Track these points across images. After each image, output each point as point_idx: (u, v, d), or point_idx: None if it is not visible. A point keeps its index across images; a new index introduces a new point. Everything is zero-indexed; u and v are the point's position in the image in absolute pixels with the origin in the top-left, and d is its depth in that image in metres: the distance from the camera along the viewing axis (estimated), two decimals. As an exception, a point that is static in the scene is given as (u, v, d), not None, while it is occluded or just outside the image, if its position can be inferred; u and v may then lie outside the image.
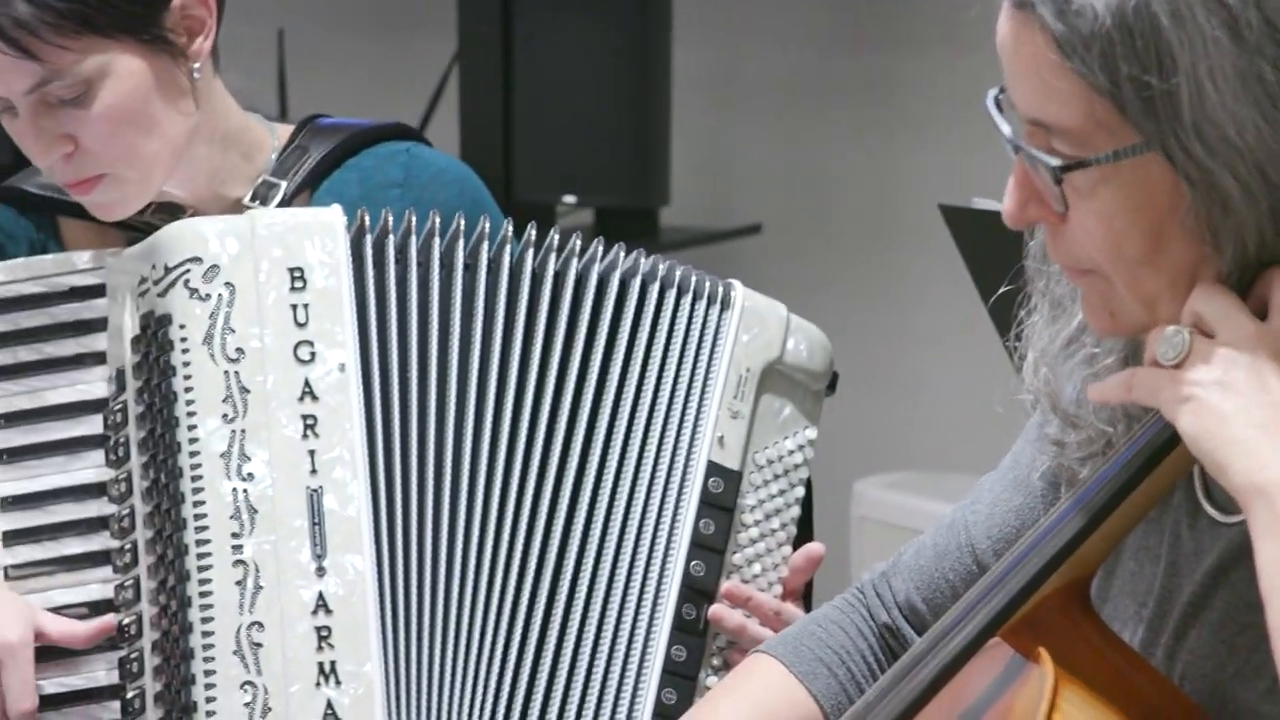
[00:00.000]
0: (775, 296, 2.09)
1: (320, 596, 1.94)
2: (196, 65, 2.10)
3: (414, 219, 2.01)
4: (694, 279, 2.02)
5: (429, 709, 1.96)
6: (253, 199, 2.14)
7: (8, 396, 2.03)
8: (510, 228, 2.02)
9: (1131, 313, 1.46)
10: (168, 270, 1.98)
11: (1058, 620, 1.47)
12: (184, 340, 1.96)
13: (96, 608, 2.00)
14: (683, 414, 2.01)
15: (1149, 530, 1.53)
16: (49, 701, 2.00)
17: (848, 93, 3.54)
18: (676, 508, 1.99)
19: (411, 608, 1.97)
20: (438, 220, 2.00)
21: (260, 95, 3.40)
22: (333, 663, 1.93)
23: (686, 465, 1.99)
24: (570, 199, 3.37)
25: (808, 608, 1.99)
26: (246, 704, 1.92)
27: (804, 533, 2.03)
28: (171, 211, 2.15)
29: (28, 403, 2.04)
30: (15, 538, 2.03)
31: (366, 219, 2.00)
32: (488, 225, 2.01)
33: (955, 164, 3.39)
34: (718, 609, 1.96)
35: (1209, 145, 1.39)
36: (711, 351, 2.02)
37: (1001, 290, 1.69)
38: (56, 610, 2.01)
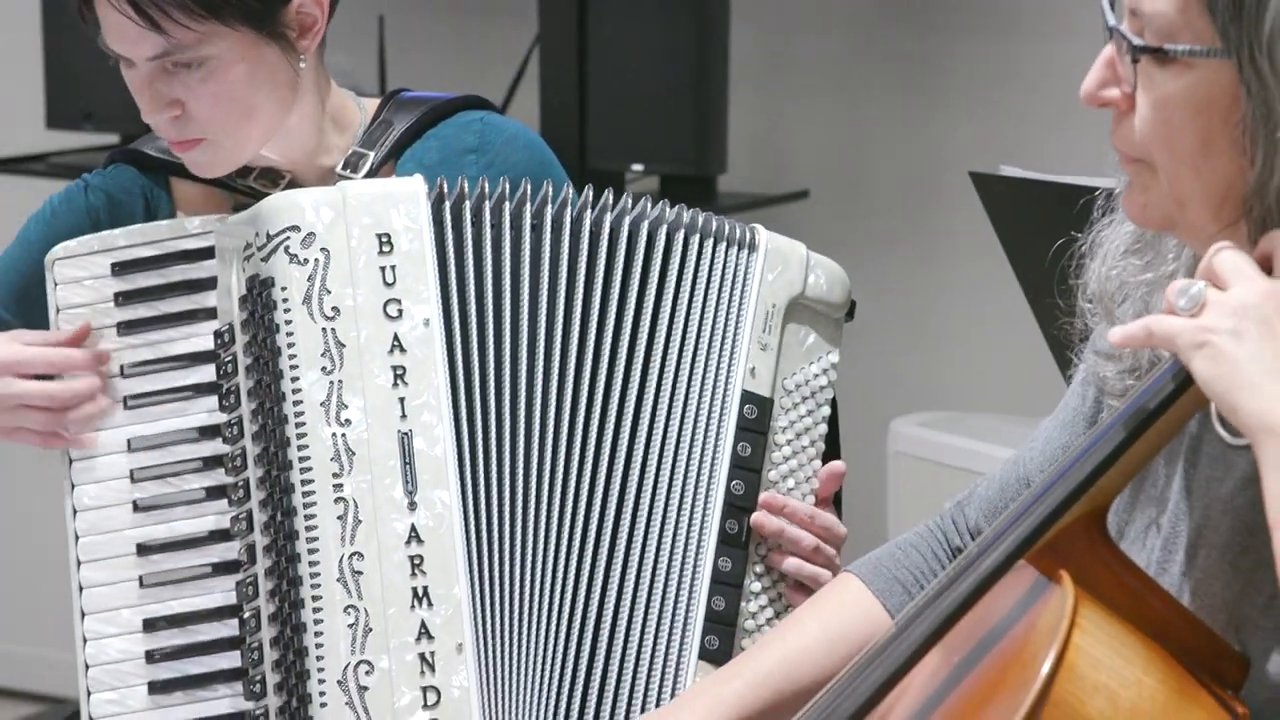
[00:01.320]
0: (817, 253, 2.09)
1: (412, 528, 1.94)
2: (304, 59, 2.11)
3: (486, 184, 2.00)
4: (724, 226, 2.02)
5: (511, 623, 1.96)
6: (344, 168, 2.16)
7: (130, 349, 2.03)
8: (570, 189, 2.02)
9: (1163, 207, 1.46)
10: (270, 238, 1.98)
11: (1078, 545, 1.45)
12: (285, 301, 1.97)
13: (214, 537, 2.00)
14: (720, 349, 2.01)
15: (1166, 456, 1.52)
16: (175, 620, 2.01)
17: (888, 72, 3.51)
18: (717, 434, 1.98)
19: (493, 534, 1.97)
20: (507, 185, 2.00)
21: (363, 74, 3.41)
22: (425, 587, 1.93)
23: (724, 395, 1.99)
24: (638, 167, 3.36)
25: (838, 513, 2.02)
26: (350, 625, 1.92)
27: (832, 445, 2.04)
28: (271, 177, 2.17)
29: (148, 354, 2.04)
30: (142, 475, 2.02)
31: (445, 186, 1.99)
32: (550, 188, 2.00)
33: (985, 136, 3.37)
34: (758, 516, 1.97)
35: (1275, 63, 1.37)
36: (742, 291, 2.01)
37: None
38: (179, 541, 2.02)
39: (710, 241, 2.01)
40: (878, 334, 3.51)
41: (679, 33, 3.29)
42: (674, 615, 1.95)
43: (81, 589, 2.00)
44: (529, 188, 2.00)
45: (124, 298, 2.04)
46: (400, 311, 1.97)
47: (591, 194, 2.01)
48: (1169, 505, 1.52)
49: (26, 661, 4.10)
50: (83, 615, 2.00)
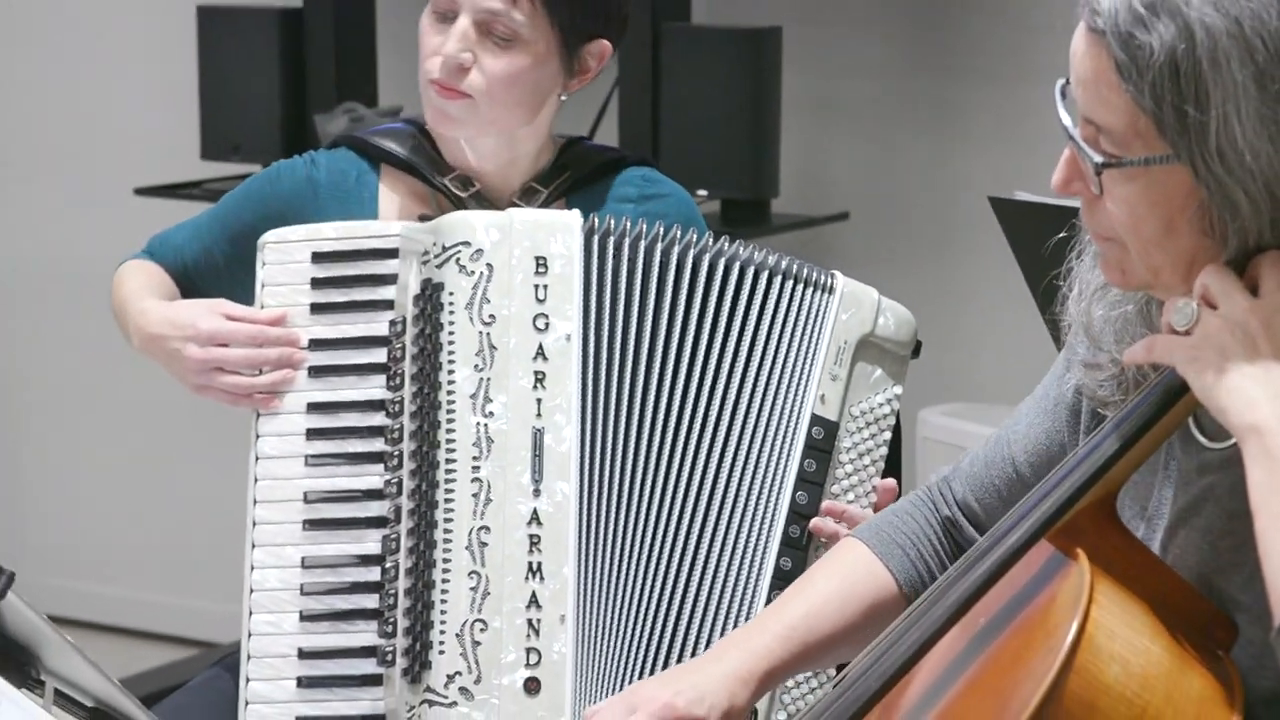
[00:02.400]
0: (858, 268, 2.09)
1: (534, 512, 1.95)
2: (564, 95, 2.12)
3: (629, 223, 2.00)
4: (808, 271, 2.01)
5: (607, 602, 1.95)
6: (520, 196, 2.15)
7: (320, 327, 2.03)
8: (709, 237, 2.02)
9: (1139, 275, 1.44)
10: (445, 249, 2.00)
11: (1091, 527, 1.44)
12: (451, 305, 1.98)
13: (368, 495, 1.99)
14: (795, 377, 1.99)
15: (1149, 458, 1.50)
16: (328, 562, 2.00)
17: (917, 111, 3.50)
18: (789, 451, 1.97)
19: (602, 524, 1.97)
20: (644, 225, 2.00)
21: None
22: (539, 563, 1.94)
23: (796, 417, 1.98)
24: (703, 192, 3.35)
25: None
26: (471, 588, 1.93)
27: (894, 463, 2.02)
28: (464, 183, 2.16)
29: (333, 334, 2.04)
30: (315, 435, 2.03)
31: (596, 221, 2.00)
32: (679, 231, 2.00)
33: (1001, 166, 3.35)
34: (817, 521, 1.95)
35: (1228, 166, 1.36)
36: (818, 327, 2.00)
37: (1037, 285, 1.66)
38: (339, 494, 2.01)
39: (794, 283, 2.00)
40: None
41: (738, 77, 3.28)
42: (740, 606, 1.95)
43: (254, 524, 2.01)
44: (661, 229, 2.00)
45: (318, 283, 2.04)
46: (547, 325, 1.97)
47: (711, 238, 2.01)
48: (1153, 493, 1.52)
49: (180, 611, 4.10)
50: (253, 546, 2.01)
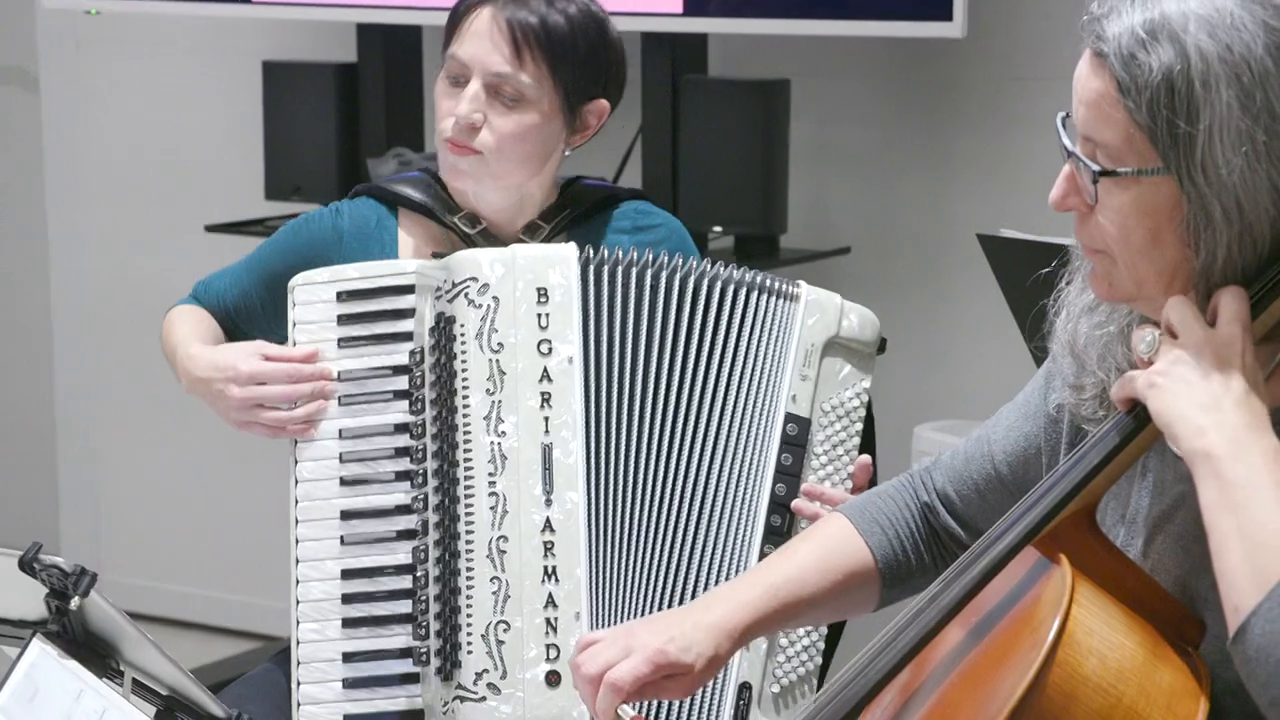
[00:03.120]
0: (859, 298, 2.08)
1: (547, 520, 1.94)
2: (569, 150, 2.13)
3: (620, 252, 2.00)
4: (775, 283, 2.01)
5: (616, 598, 1.95)
6: (524, 232, 2.15)
7: (347, 359, 2.03)
8: (690, 260, 2.01)
9: (1124, 286, 1.43)
10: (455, 285, 1.99)
11: (1074, 534, 1.43)
12: (462, 336, 1.97)
13: (398, 510, 1.98)
14: (769, 379, 1.98)
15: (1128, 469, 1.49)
16: (366, 572, 2.00)
17: (912, 155, 3.49)
18: (766, 448, 1.96)
19: (608, 528, 1.96)
20: (635, 253, 2.00)
21: None
22: (554, 566, 1.93)
23: (771, 416, 1.97)
24: (718, 229, 3.36)
25: None
26: (494, 591, 1.93)
27: (868, 445, 2.02)
28: (471, 221, 2.16)
29: (360, 365, 2.04)
30: (349, 458, 2.02)
31: (591, 252, 1.99)
32: (665, 256, 2.00)
33: (987, 205, 3.34)
34: (797, 502, 1.95)
35: (1208, 177, 1.35)
36: (787, 333, 1.99)
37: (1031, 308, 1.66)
38: (372, 511, 2.01)
39: (763, 295, 2.00)
40: (905, 359, 3.50)
41: (750, 125, 3.28)
42: None
43: (297, 541, 2.02)
44: (650, 255, 2.00)
45: (344, 319, 2.04)
46: (550, 349, 1.97)
47: (694, 260, 2.01)
48: (1131, 502, 1.51)
49: (245, 607, 4.11)
50: (297, 562, 2.01)
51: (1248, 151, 1.34)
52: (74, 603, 1.65)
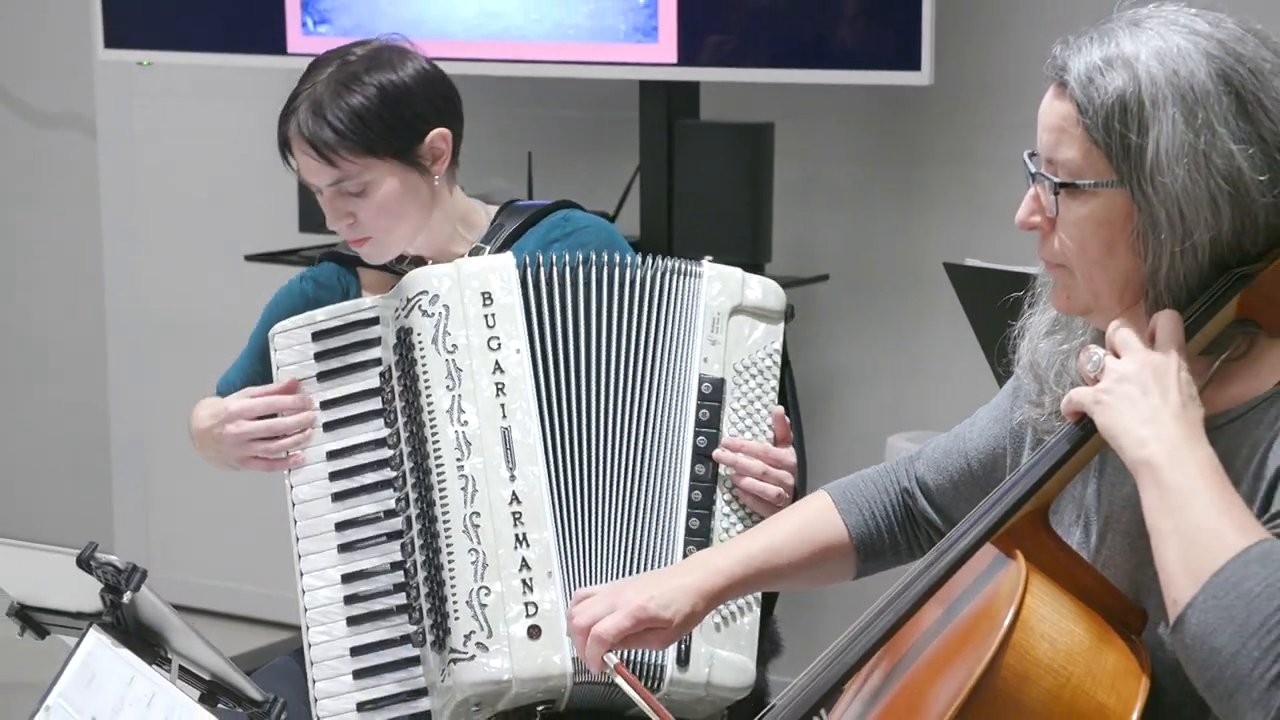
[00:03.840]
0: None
1: (514, 493, 1.95)
2: (436, 178, 2.11)
3: (554, 256, 2.02)
4: (681, 264, 2.03)
5: (581, 550, 1.95)
6: (470, 255, 2.15)
7: (326, 389, 2.06)
8: (615, 255, 2.02)
9: (1082, 298, 1.44)
10: (408, 300, 2.01)
11: (1028, 532, 1.44)
12: (420, 343, 1.99)
13: (385, 515, 2.03)
14: (681, 346, 1.99)
15: (1081, 473, 1.50)
16: (362, 574, 2.02)
17: (887, 190, 3.49)
18: (685, 406, 1.97)
19: (567, 494, 1.97)
20: (568, 255, 2.01)
21: (516, 193, 3.38)
22: (524, 533, 1.94)
23: (687, 377, 1.98)
24: (710, 258, 3.35)
25: (801, 455, 2.00)
26: (472, 562, 1.93)
27: (783, 398, 2.02)
28: (417, 263, 2.17)
29: (338, 393, 2.07)
30: (337, 476, 2.05)
31: (528, 259, 2.01)
32: (594, 255, 2.01)
33: (954, 237, 3.34)
34: (718, 453, 1.96)
35: (1155, 186, 1.37)
36: (694, 304, 2.00)
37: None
38: (361, 519, 2.03)
39: (672, 275, 2.02)
40: (879, 375, 3.51)
41: (738, 164, 3.28)
42: (666, 534, 1.96)
43: (300, 556, 2.04)
44: (580, 256, 2.02)
45: (320, 355, 2.07)
46: (499, 344, 1.99)
47: (617, 255, 2.03)
48: (1085, 504, 1.52)
49: (279, 601, 4.10)
50: (301, 574, 2.04)
51: (1189, 164, 1.36)
52: (126, 597, 1.67)
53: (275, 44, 3.58)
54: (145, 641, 1.71)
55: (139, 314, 4.27)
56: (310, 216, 3.64)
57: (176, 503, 4.28)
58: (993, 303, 1.70)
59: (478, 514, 1.93)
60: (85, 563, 1.68)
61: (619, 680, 1.62)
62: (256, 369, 2.22)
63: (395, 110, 2.09)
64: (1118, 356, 1.39)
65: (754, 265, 3.33)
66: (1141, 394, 1.36)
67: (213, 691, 1.72)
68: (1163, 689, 1.41)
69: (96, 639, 1.66)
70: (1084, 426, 1.42)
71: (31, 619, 1.84)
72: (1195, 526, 1.30)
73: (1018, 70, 3.18)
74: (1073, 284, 1.45)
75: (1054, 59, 1.44)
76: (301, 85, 2.14)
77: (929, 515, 1.72)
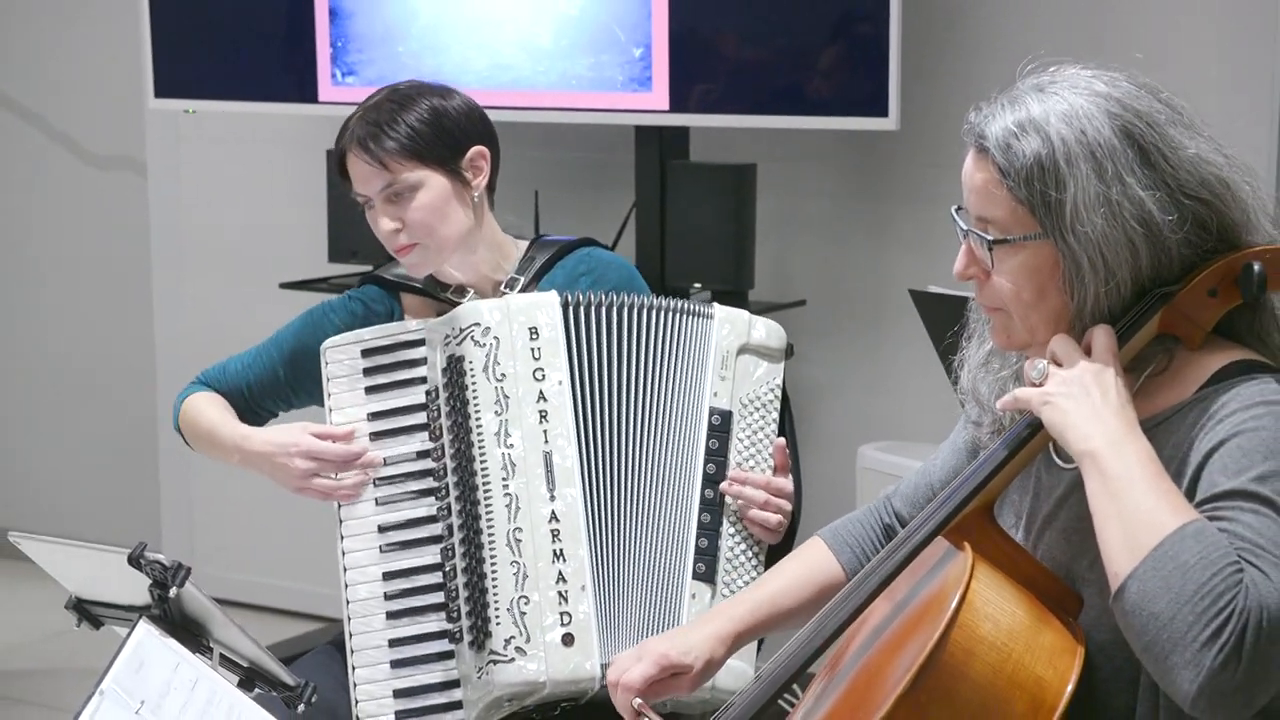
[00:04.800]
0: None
1: (553, 512, 1.95)
2: (476, 194, 2.10)
3: (592, 295, 2.02)
4: (695, 306, 2.03)
5: (611, 567, 1.95)
6: (505, 286, 2.15)
7: (375, 403, 2.04)
8: (638, 296, 2.03)
9: (1019, 336, 1.45)
10: (461, 330, 2.01)
11: (976, 526, 1.45)
12: (471, 370, 1.98)
13: (425, 520, 2.00)
14: (696, 381, 1.99)
15: (1022, 475, 1.51)
16: (402, 573, 2.00)
17: (859, 224, 3.49)
18: (697, 435, 1.97)
19: (601, 513, 1.97)
20: (603, 295, 2.02)
21: (524, 227, 3.41)
22: (561, 549, 1.93)
23: (699, 409, 1.98)
24: (698, 285, 3.34)
25: (797, 482, 1.99)
26: (514, 573, 1.93)
27: (783, 429, 2.01)
28: (460, 291, 2.17)
29: (385, 406, 2.05)
30: (382, 482, 2.03)
31: (569, 296, 2.01)
32: (625, 296, 2.02)
33: (919, 266, 3.35)
34: (724, 485, 1.96)
35: (1076, 236, 1.39)
36: (706, 343, 2.00)
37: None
38: (403, 523, 2.01)
39: (686, 316, 2.03)
40: (851, 391, 3.52)
41: (725, 200, 3.28)
42: (680, 552, 1.97)
43: (344, 553, 2.04)
44: (614, 295, 2.03)
45: (369, 371, 2.06)
46: (544, 375, 1.99)
47: (639, 296, 2.04)
48: (1026, 502, 1.54)
49: (313, 595, 4.11)
50: (344, 570, 2.03)
51: (1105, 213, 1.38)
52: (172, 592, 1.68)
53: (308, 94, 3.61)
54: (189, 632, 1.72)
55: (184, 334, 4.28)
56: (339, 247, 3.66)
57: (218, 505, 4.28)
58: (952, 325, 1.72)
59: (520, 529, 1.93)
60: (135, 561, 1.69)
61: None
62: (279, 366, 2.19)
63: (441, 124, 2.11)
64: (1059, 365, 1.41)
65: (738, 292, 3.35)
66: (1084, 394, 1.37)
67: (250, 677, 1.73)
68: (1096, 667, 1.43)
69: (146, 629, 1.66)
70: (1030, 426, 1.43)
71: (88, 611, 1.84)
72: (1135, 508, 1.31)
73: (975, 115, 3.19)
74: (1010, 324, 1.46)
75: (971, 126, 1.46)
76: (357, 110, 2.16)
77: None
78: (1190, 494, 1.36)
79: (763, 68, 3.22)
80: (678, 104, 3.27)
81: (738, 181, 3.28)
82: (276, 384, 2.22)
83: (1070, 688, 1.35)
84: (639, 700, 1.62)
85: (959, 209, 1.48)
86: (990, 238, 1.43)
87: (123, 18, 4.12)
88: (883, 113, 3.10)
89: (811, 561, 1.73)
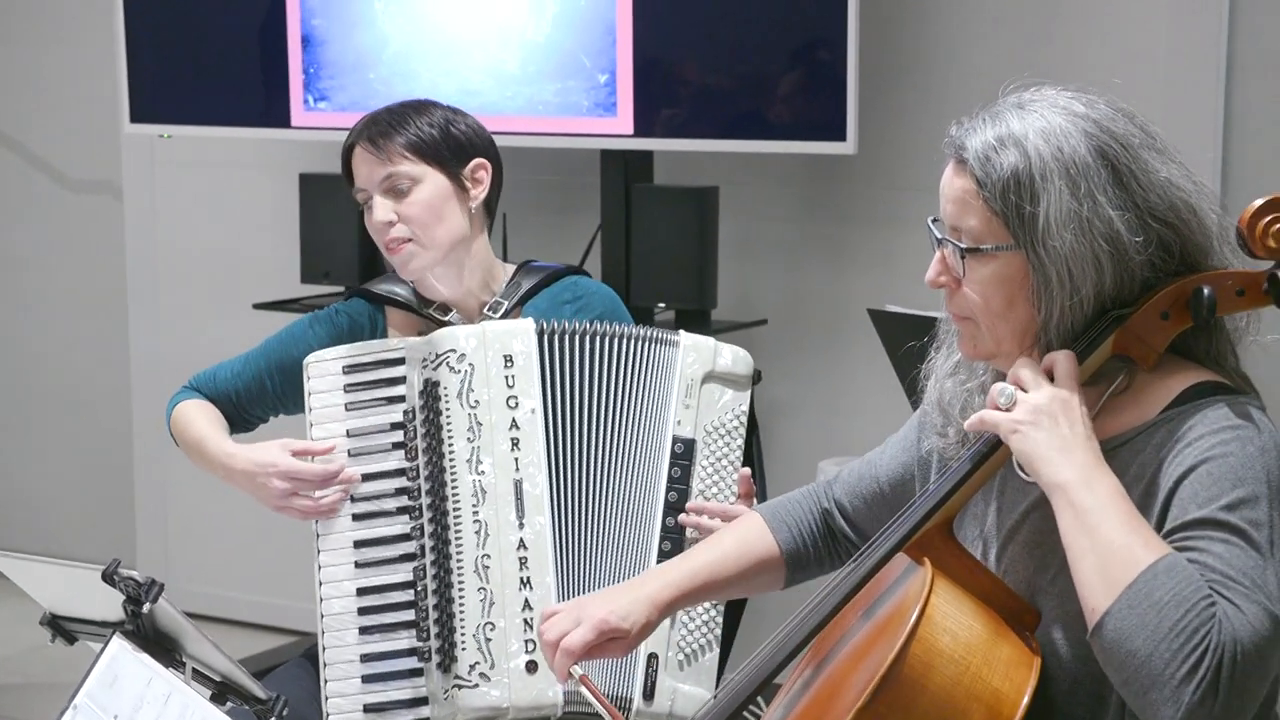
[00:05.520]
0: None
1: (521, 540, 1.94)
2: (474, 204, 2.09)
3: (567, 323, 2.00)
4: (661, 334, 2.00)
5: (576, 595, 1.93)
6: (489, 310, 2.13)
7: (354, 419, 2.02)
8: (609, 324, 2.02)
9: (986, 346, 1.45)
10: (438, 355, 1.98)
11: (935, 542, 1.45)
12: (445, 396, 1.96)
13: (399, 538, 1.98)
14: (660, 409, 1.98)
15: (986, 487, 1.50)
16: (376, 589, 1.98)
17: (817, 246, 3.50)
18: (660, 463, 1.96)
19: (568, 542, 1.96)
20: (580, 322, 2.01)
21: (493, 250, 3.39)
22: (528, 576, 1.93)
23: (661, 438, 1.96)
24: (662, 304, 3.35)
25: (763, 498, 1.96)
26: (481, 599, 1.92)
27: (749, 457, 2.00)
28: (443, 309, 2.14)
29: (363, 423, 2.02)
30: (357, 498, 2.01)
31: (544, 324, 1.99)
32: (598, 325, 2.01)
33: (877, 286, 3.35)
34: (682, 517, 1.95)
35: (1047, 248, 1.39)
36: (670, 372, 1.98)
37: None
38: (378, 540, 1.99)
39: (654, 344, 2.01)
40: (811, 407, 3.52)
41: (688, 222, 3.29)
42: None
43: (320, 567, 2.03)
44: (587, 324, 2.02)
45: (349, 387, 2.04)
46: (517, 403, 1.97)
47: (612, 324, 2.03)
48: (988, 519, 1.54)
49: (284, 609, 4.08)
50: (320, 584, 2.02)
51: (1075, 229, 1.39)
52: (145, 607, 1.66)
53: (281, 119, 3.59)
54: (162, 647, 1.70)
55: (159, 354, 4.25)
56: (311, 269, 3.64)
57: (192, 521, 4.25)
58: (909, 343, 1.72)
59: (488, 556, 1.92)
60: (109, 577, 1.68)
61: (582, 689, 1.61)
62: (267, 375, 2.17)
63: (449, 131, 2.12)
64: (1024, 390, 1.40)
65: (701, 311, 3.35)
66: (1053, 424, 1.37)
67: (222, 691, 1.72)
68: (1055, 679, 1.42)
69: (119, 644, 1.65)
70: (989, 444, 1.43)
71: (61, 627, 1.82)
72: (1109, 543, 1.31)
73: (930, 142, 3.17)
74: (978, 334, 1.46)
75: (951, 138, 1.47)
76: (367, 114, 2.15)
77: (846, 531, 1.73)
78: (1160, 520, 1.36)
79: (725, 94, 3.23)
80: (642, 129, 3.27)
81: (700, 204, 3.28)
82: (264, 393, 2.20)
83: (1026, 699, 1.35)
84: (581, 672, 1.61)
85: (935, 220, 1.48)
86: (964, 246, 1.42)
87: (99, 45, 4.10)
88: (841, 137, 3.11)
89: (748, 536, 1.72)
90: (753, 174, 3.48)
